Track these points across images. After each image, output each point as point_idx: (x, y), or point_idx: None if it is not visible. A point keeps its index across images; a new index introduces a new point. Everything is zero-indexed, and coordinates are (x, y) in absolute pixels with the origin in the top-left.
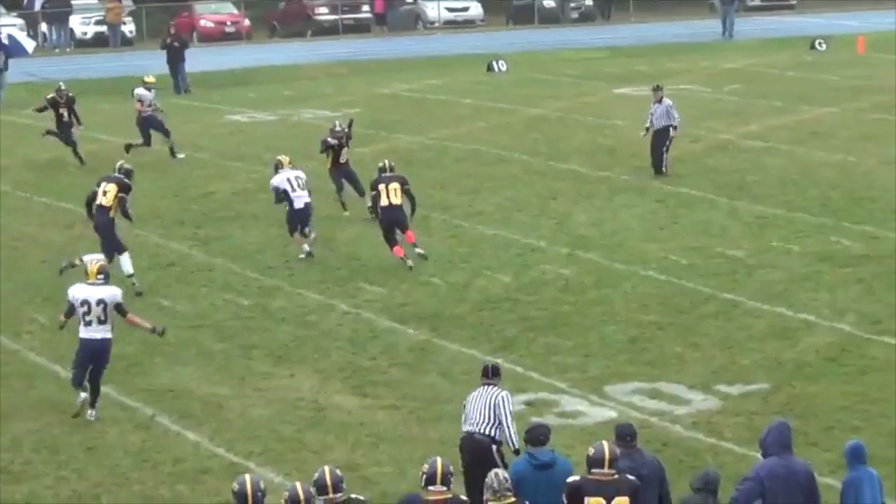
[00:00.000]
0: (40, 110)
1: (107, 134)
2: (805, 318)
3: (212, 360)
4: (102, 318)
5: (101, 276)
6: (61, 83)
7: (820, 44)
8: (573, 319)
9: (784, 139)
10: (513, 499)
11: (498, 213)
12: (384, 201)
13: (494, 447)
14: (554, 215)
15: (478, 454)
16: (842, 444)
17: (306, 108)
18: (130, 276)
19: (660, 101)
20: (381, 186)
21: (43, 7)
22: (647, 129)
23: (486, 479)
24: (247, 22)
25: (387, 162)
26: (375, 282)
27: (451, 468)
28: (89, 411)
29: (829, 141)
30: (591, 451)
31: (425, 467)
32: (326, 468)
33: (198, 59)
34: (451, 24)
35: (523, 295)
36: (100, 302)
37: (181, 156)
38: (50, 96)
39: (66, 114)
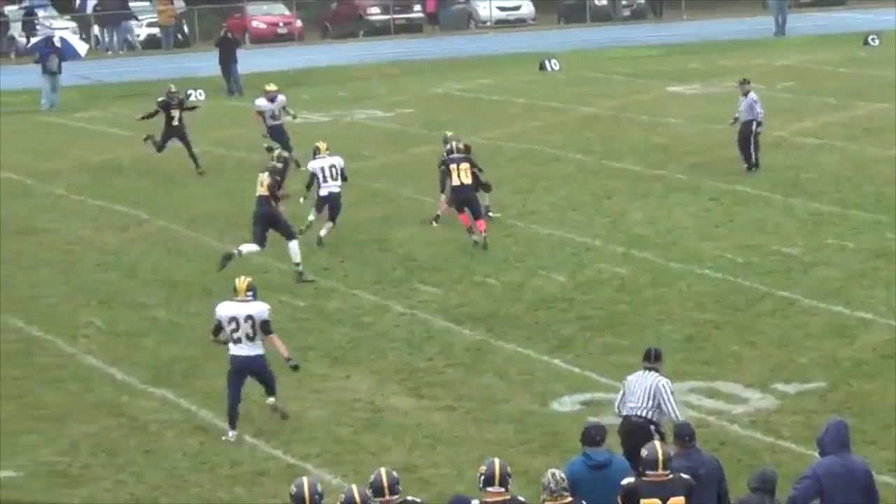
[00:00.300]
0: (149, 116)
1: (159, 136)
2: (862, 315)
3: (268, 362)
4: (251, 334)
5: (250, 293)
6: (171, 85)
7: (873, 39)
8: (629, 318)
9: (838, 135)
10: (569, 499)
11: (552, 213)
12: (455, 181)
13: (652, 427)
14: (609, 214)
15: (636, 435)
16: None
17: (359, 109)
18: (297, 265)
19: (745, 95)
20: (453, 166)
21: (95, 10)
22: (735, 119)
23: (542, 479)
24: (299, 23)
25: (454, 144)
26: (431, 282)
27: (509, 469)
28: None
29: (883, 137)
30: (645, 452)
31: (483, 468)
32: (383, 470)
33: (250, 61)
34: (502, 24)
35: (579, 294)
36: (248, 318)
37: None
38: (161, 99)
39: (177, 115)
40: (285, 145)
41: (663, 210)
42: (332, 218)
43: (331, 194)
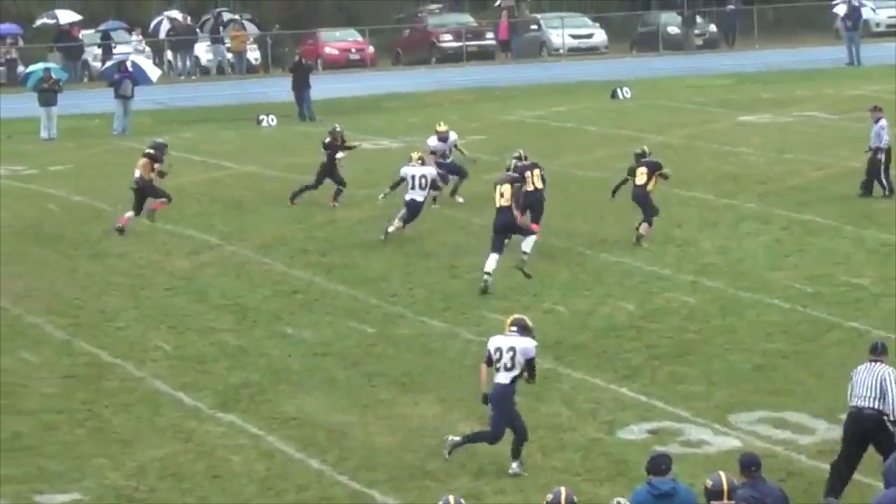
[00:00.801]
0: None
1: (231, 161)
2: None
3: (336, 388)
4: (509, 364)
5: (515, 329)
6: (336, 125)
7: None
8: (698, 348)
9: None
10: None
11: (623, 241)
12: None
13: (885, 418)
14: (679, 243)
15: (868, 427)
16: None
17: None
18: (525, 253)
19: (876, 122)
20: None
21: (167, 35)
22: (869, 148)
23: None
24: (371, 49)
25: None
26: (499, 309)
27: (575, 498)
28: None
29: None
30: (709, 482)
31: (549, 497)
32: (451, 497)
33: (322, 87)
34: (575, 51)
35: (647, 323)
36: (510, 349)
37: (460, 200)
38: (328, 140)
39: (336, 155)
40: (462, 174)
41: (733, 239)
42: (406, 221)
43: (413, 201)
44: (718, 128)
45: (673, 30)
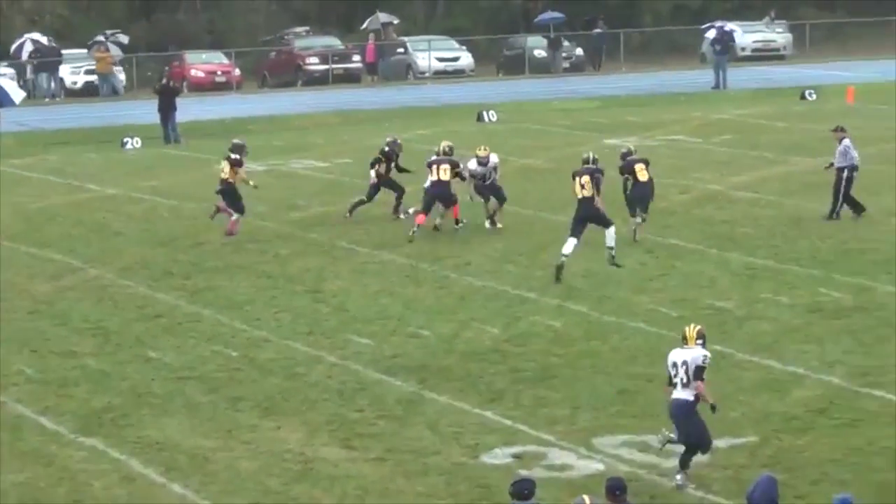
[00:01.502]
0: (375, 164)
1: (94, 184)
2: (794, 370)
3: (199, 412)
4: (685, 380)
5: (700, 341)
6: (396, 137)
7: (810, 94)
8: (562, 371)
9: (774, 190)
10: None
11: (488, 264)
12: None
13: None
14: (544, 266)
15: None
16: (829, 498)
17: (297, 159)
18: (611, 248)
19: (840, 142)
20: (434, 167)
21: (31, 57)
22: (830, 164)
23: None
24: (237, 72)
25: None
26: (363, 333)
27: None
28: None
29: (819, 192)
30: None
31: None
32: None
33: (188, 109)
34: (441, 75)
35: (512, 347)
36: (683, 364)
37: (495, 225)
38: (386, 149)
39: (393, 165)
40: (501, 198)
41: (599, 263)
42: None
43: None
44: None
45: (539, 53)
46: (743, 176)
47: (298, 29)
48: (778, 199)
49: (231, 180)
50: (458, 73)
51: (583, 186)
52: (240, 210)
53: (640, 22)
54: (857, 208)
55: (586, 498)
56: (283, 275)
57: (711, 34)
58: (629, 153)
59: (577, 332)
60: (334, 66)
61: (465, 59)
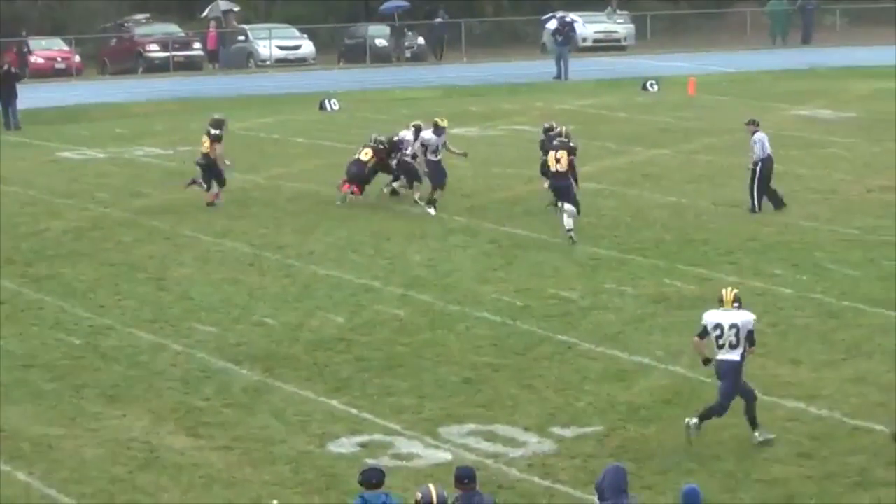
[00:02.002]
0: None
1: None
2: (640, 360)
3: (42, 400)
4: (734, 342)
5: (737, 304)
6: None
7: (652, 85)
8: (408, 360)
9: (617, 181)
10: None
11: (331, 253)
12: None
13: None
14: (388, 255)
15: None
16: (676, 488)
17: (138, 146)
18: (569, 231)
19: (752, 135)
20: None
21: None
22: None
23: None
24: (77, 58)
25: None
26: (208, 321)
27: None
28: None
29: (661, 182)
30: (419, 495)
31: (419, 495)
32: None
33: (28, 96)
34: (282, 63)
35: (357, 335)
36: (733, 326)
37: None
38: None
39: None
40: (441, 184)
41: (442, 252)
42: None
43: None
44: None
45: (380, 42)
46: (585, 166)
47: (139, 16)
48: (621, 190)
49: (211, 154)
50: (299, 62)
51: (558, 160)
52: (221, 182)
53: (482, 12)
54: (777, 201)
55: (431, 487)
56: (126, 262)
57: (552, 25)
58: (550, 129)
59: (422, 321)
60: (175, 53)
61: (307, 48)
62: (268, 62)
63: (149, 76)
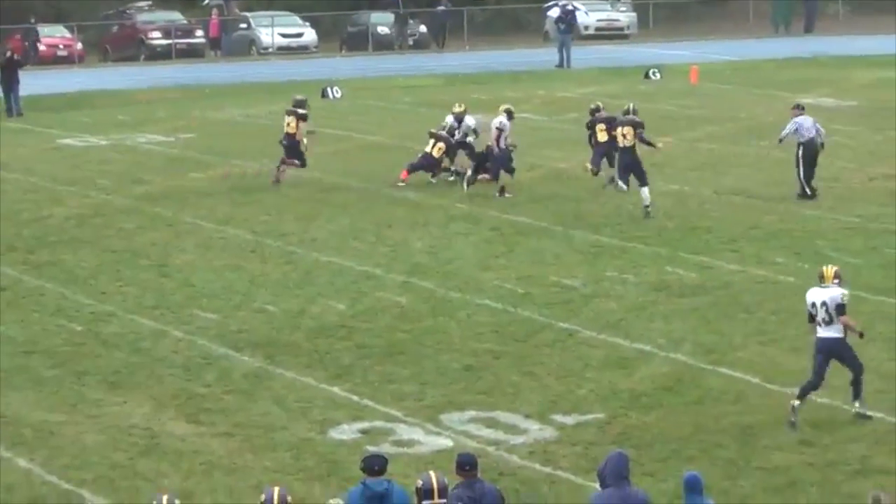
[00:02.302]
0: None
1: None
2: (641, 347)
3: (43, 386)
4: (827, 319)
5: (836, 280)
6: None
7: (654, 73)
8: (409, 347)
9: None
10: None
11: (333, 240)
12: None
13: None
14: (390, 243)
15: None
16: (678, 475)
17: (140, 133)
18: (647, 206)
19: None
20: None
21: None
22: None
23: None
24: (79, 45)
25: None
26: (210, 308)
27: (289, 497)
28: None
29: (664, 171)
30: (420, 482)
31: (262, 496)
32: (164, 496)
33: (30, 83)
34: (285, 51)
35: (359, 322)
36: (823, 304)
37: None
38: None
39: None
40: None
41: (444, 239)
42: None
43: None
44: (429, 127)
45: (383, 30)
46: (588, 154)
47: (141, 3)
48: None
49: (297, 136)
50: (301, 50)
51: (624, 136)
52: (303, 163)
53: (484, 0)
54: (803, 191)
55: (432, 474)
56: (128, 249)
57: (555, 13)
58: (597, 109)
59: (424, 309)
60: (177, 40)
61: (309, 36)
62: (270, 50)
63: (151, 63)
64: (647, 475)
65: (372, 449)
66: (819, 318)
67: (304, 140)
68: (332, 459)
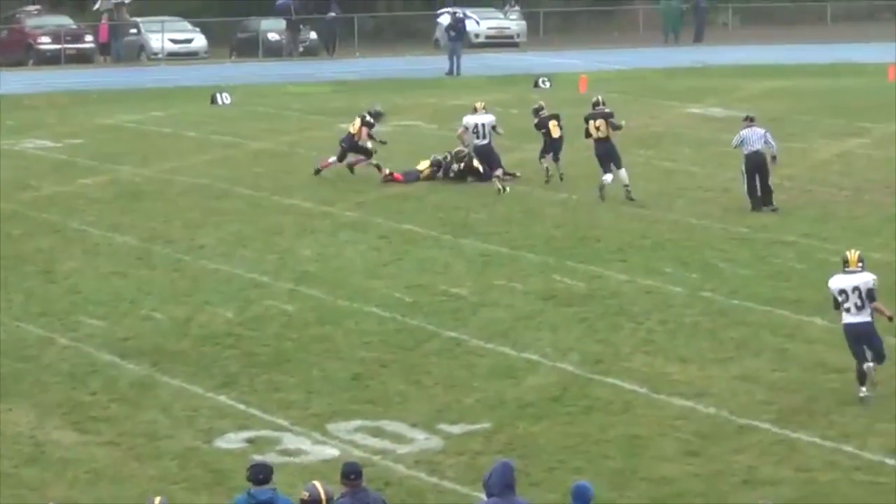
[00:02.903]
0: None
1: None
2: (528, 357)
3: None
4: (860, 304)
5: (861, 264)
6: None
7: (544, 82)
8: (296, 356)
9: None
10: None
11: (221, 248)
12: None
13: None
14: (278, 250)
15: None
16: (564, 485)
17: (28, 139)
18: (626, 186)
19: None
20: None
21: None
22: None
23: None
24: None
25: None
26: (96, 315)
27: None
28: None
29: (552, 179)
30: (306, 493)
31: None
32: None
33: None
34: (175, 56)
35: (246, 331)
36: (855, 289)
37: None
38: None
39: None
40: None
41: (332, 247)
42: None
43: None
44: (319, 135)
45: (273, 36)
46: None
47: (29, 7)
48: (512, 186)
49: (357, 138)
50: (191, 55)
51: (598, 128)
52: (368, 155)
53: (374, 7)
54: (756, 201)
55: (318, 484)
56: (14, 255)
57: (445, 20)
58: (541, 108)
59: (311, 317)
60: (67, 45)
61: (199, 41)
62: (160, 55)
63: (39, 68)
64: (534, 485)
65: (258, 458)
66: (850, 304)
67: (369, 143)
68: (218, 468)
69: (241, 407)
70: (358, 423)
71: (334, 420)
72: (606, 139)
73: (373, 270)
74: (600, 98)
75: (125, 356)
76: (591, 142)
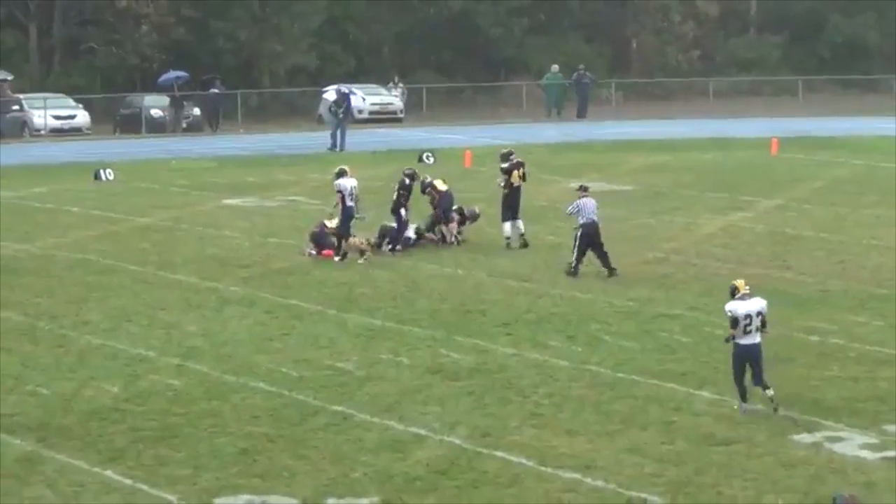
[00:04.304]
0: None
1: None
2: (416, 431)
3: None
4: (759, 325)
5: (747, 287)
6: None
7: (428, 157)
8: (183, 430)
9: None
10: None
11: (106, 323)
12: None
13: None
14: (163, 325)
15: None
16: None
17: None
18: (523, 233)
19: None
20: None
21: None
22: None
23: None
24: None
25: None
26: None
27: None
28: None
29: (438, 253)
30: None
31: None
32: None
33: None
34: (57, 132)
35: (132, 405)
36: (759, 313)
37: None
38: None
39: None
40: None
41: (218, 323)
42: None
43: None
44: (203, 210)
45: (157, 112)
46: (358, 237)
47: None
48: (395, 260)
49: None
50: (74, 131)
51: (521, 177)
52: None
53: (258, 83)
54: (610, 268)
55: None
56: None
57: (331, 95)
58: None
59: (198, 392)
60: None
61: (82, 117)
62: (42, 131)
63: None
64: None
65: None
66: (751, 328)
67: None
68: None
69: (128, 482)
70: (246, 497)
71: (222, 495)
72: (520, 187)
73: (259, 345)
74: (510, 149)
75: (11, 432)
76: (499, 194)
